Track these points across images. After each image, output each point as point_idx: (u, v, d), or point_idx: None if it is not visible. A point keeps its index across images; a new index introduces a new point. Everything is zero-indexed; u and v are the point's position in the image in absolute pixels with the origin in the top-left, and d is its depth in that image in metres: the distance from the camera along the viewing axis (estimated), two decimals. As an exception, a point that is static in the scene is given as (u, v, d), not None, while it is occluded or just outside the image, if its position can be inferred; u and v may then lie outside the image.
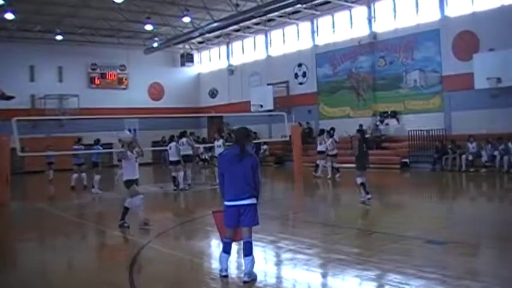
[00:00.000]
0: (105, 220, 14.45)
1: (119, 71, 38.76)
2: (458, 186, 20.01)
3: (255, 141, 30.34)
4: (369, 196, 14.10)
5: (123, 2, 26.80)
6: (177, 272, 8.58)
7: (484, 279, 7.23)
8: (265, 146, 32.66)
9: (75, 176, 21.73)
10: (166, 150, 21.28)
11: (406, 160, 25.19)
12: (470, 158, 22.29)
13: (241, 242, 7.52)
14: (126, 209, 12.16)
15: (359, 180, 14.24)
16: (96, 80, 37.84)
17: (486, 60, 22.13)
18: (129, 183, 12.18)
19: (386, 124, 27.46)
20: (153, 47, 37.50)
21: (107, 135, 31.96)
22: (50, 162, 26.52)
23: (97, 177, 20.23)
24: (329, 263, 8.46)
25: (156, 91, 40.47)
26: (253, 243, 7.53)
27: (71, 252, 10.48)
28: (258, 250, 7.52)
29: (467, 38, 24.02)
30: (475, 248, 9.32)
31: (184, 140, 19.87)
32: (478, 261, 8.55)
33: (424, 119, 25.54)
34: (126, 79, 39.04)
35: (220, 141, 19.85)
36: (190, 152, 19.99)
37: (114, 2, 26.62)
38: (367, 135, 26.25)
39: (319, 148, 22.79)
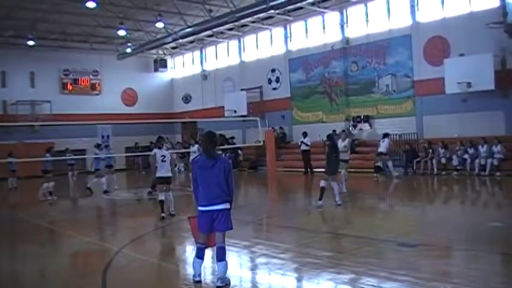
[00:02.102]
0: (78, 227, 14.29)
1: (91, 77, 38.45)
2: (429, 190, 20.24)
3: (231, 147, 30.44)
4: (320, 203, 14.48)
5: (95, 7, 26.65)
6: (150, 278, 8.55)
7: (455, 281, 7.31)
8: (239, 151, 32.67)
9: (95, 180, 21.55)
10: (140, 156, 21.11)
11: (379, 164, 25.35)
12: (443, 161, 22.57)
13: (215, 247, 7.53)
14: (162, 202, 14.23)
15: (322, 184, 14.60)
16: (68, 85, 37.46)
17: (457, 65, 22.43)
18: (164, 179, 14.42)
19: (360, 129, 27.67)
20: (126, 53, 37.28)
21: (79, 141, 31.93)
22: (12, 170, 25.57)
23: (50, 185, 20.07)
24: (303, 267, 8.50)
25: (130, 97, 40.25)
26: (228, 248, 7.55)
27: (43, 259, 10.37)
28: (232, 255, 7.55)
29: (438, 43, 24.35)
30: (446, 250, 9.44)
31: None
32: (449, 263, 8.65)
33: (396, 123, 25.81)
34: (99, 85, 38.74)
35: (196, 147, 19.76)
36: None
37: (86, 7, 26.46)
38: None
39: (344, 155, 17.11)
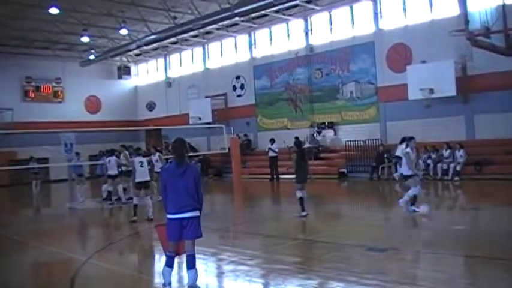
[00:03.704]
0: (43, 237, 14.04)
1: (54, 84, 37.88)
2: (394, 195, 20.47)
3: (197, 154, 30.34)
4: (304, 213, 13.97)
5: (59, 13, 26.32)
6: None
7: (423, 283, 7.46)
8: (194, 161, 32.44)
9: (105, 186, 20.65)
10: (102, 164, 20.88)
11: (344, 170, 25.61)
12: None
13: (184, 255, 7.49)
14: (136, 206, 14.91)
15: (298, 194, 14.11)
16: (30, 93, 36.81)
17: (419, 71, 22.79)
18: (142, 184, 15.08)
19: (323, 136, 27.87)
20: (89, 60, 36.96)
21: (42, 149, 31.40)
22: None
23: None
24: (271, 273, 8.53)
25: (93, 104, 39.82)
26: (195, 255, 7.51)
27: (6, 271, 10.11)
28: (199, 262, 7.53)
29: (400, 50, 24.74)
30: (413, 254, 9.59)
31: (112, 158, 19.58)
32: (416, 266, 8.81)
33: (360, 130, 26.11)
34: (61, 92, 38.22)
35: (157, 156, 19.65)
36: (116, 172, 19.55)
37: (49, 13, 26.12)
38: (304, 146, 26.77)
39: (406, 170, 13.76)
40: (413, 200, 13.47)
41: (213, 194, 24.00)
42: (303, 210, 14.02)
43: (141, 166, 15.01)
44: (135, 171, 15.01)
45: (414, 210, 13.19)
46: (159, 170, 18.55)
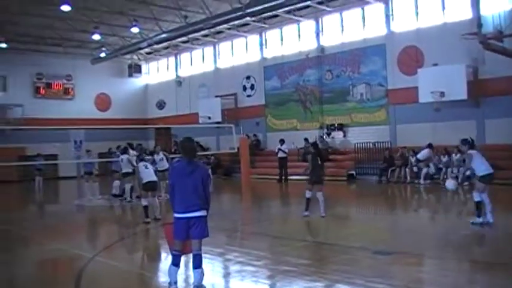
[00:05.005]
0: (50, 233, 14.05)
1: (65, 81, 38.05)
2: (403, 198, 20.38)
3: (206, 154, 30.33)
4: (306, 213, 14.01)
5: (70, 10, 26.39)
6: (125, 285, 8.46)
7: (429, 288, 7.41)
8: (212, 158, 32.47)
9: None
10: (116, 161, 20.82)
11: (353, 172, 25.54)
12: (415, 170, 22.68)
13: (190, 255, 7.47)
14: (146, 207, 14.47)
15: (307, 195, 14.13)
16: (41, 89, 37.01)
17: (430, 74, 22.63)
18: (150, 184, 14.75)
19: (332, 137, 27.82)
20: (100, 57, 37.06)
21: (52, 146, 31.52)
22: None
23: None
24: (278, 274, 8.49)
25: (103, 102, 39.93)
26: (202, 255, 7.49)
27: (10, 267, 10.04)
28: (206, 262, 7.48)
29: (412, 53, 24.62)
30: (420, 258, 9.50)
31: (125, 157, 19.37)
32: (423, 270, 8.73)
33: (370, 132, 26.01)
34: (72, 89, 38.37)
35: (161, 154, 19.61)
36: (130, 170, 19.36)
37: (61, 10, 26.19)
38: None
39: (482, 170, 12.10)
40: (477, 208, 11.94)
41: (222, 193, 24.00)
42: (306, 210, 14.08)
43: (146, 168, 14.78)
44: (141, 175, 14.69)
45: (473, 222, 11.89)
46: (163, 168, 18.70)
